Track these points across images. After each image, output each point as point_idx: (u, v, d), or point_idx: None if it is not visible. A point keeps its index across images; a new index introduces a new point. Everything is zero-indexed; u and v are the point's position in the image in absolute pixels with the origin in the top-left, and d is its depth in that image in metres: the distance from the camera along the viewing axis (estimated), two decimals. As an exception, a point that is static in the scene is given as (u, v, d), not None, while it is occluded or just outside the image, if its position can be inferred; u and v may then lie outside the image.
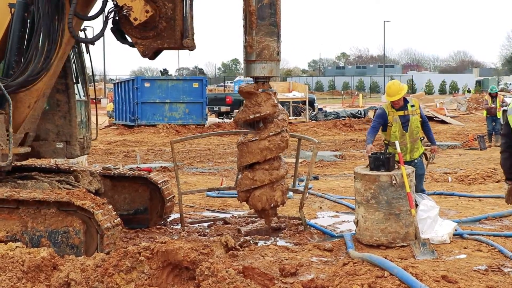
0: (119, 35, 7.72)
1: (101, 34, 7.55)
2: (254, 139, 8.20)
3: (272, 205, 8.33)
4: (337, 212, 10.65)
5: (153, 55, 7.84)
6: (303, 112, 35.37)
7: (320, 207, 11.01)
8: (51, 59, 7.54)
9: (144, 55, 7.65)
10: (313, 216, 10.21)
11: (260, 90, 8.20)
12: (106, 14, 7.57)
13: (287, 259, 7.35)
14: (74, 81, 8.44)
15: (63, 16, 7.49)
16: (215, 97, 40.81)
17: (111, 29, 7.68)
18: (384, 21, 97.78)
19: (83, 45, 8.65)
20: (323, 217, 10.28)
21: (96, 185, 8.67)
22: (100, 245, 6.74)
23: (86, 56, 8.78)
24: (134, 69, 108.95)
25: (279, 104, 8.39)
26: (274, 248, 7.83)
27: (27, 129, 7.93)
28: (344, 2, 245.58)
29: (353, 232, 8.57)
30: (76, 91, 8.53)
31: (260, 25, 7.96)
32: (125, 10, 7.35)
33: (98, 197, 7.38)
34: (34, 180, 7.87)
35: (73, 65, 8.42)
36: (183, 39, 7.61)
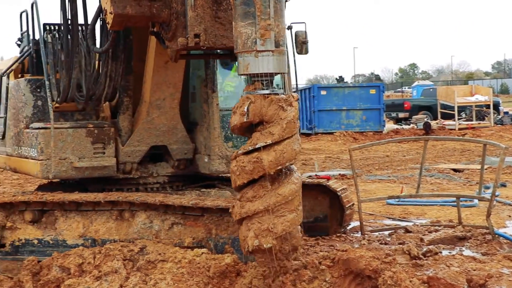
0: (162, 40, 6.88)
1: (111, 43, 7.24)
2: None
3: (245, 249, 5.89)
4: (528, 221, 10.04)
5: (219, 56, 7.19)
6: (487, 117, 33.83)
7: (510, 216, 10.43)
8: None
9: (170, 58, 6.75)
10: (501, 225, 9.67)
11: (244, 93, 6.04)
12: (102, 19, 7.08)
13: (474, 270, 6.99)
14: (214, 90, 7.92)
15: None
16: (393, 103, 40.14)
17: (152, 33, 6.99)
18: None
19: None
20: (512, 226, 9.74)
21: (277, 193, 8.74)
22: (281, 252, 6.75)
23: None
24: (310, 77, 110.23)
25: (282, 112, 5.73)
26: (460, 258, 7.49)
27: (151, 142, 7.94)
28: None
29: (547, 242, 8.00)
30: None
31: (235, 6, 5.86)
32: (104, 15, 6.72)
33: (278, 204, 7.43)
34: (217, 189, 8.10)
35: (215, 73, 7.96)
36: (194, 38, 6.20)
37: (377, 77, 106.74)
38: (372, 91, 30.98)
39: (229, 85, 8.50)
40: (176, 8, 6.37)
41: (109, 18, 6.61)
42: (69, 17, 7.45)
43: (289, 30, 8.34)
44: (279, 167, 5.65)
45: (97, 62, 7.88)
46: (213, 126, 7.92)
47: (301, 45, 8.42)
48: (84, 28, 7.73)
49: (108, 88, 7.67)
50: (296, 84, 8.70)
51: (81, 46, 7.68)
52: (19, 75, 8.55)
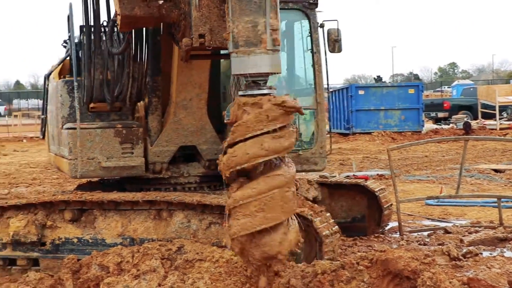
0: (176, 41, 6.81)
1: (126, 44, 7.33)
2: None
3: None
4: None
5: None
6: (529, 116, 33.38)
7: (552, 217, 10.23)
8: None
9: (181, 59, 6.78)
10: (543, 226, 9.49)
11: None
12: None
13: (516, 272, 6.88)
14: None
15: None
16: (432, 102, 39.78)
17: (168, 33, 7.05)
18: None
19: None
20: (555, 227, 9.52)
21: (314, 193, 8.73)
22: (319, 253, 6.75)
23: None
24: (347, 77, 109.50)
25: (245, 115, 5.60)
26: (501, 260, 7.36)
27: (179, 142, 7.94)
28: None
29: None
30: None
31: None
32: (115, 17, 6.85)
33: (315, 204, 7.41)
34: (255, 188, 8.05)
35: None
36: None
37: (416, 77, 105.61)
38: (411, 91, 30.72)
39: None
40: (184, 8, 6.33)
41: (118, 20, 6.68)
42: (91, 18, 7.54)
43: (321, 28, 8.20)
44: (231, 170, 5.57)
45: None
46: None
47: (334, 43, 8.26)
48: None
49: (132, 89, 7.72)
50: (328, 83, 8.50)
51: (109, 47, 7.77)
52: (62, 76, 8.67)
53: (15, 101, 68.16)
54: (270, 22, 5.58)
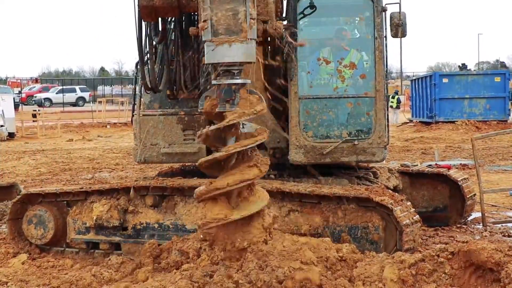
0: None
1: (163, 34, 7.56)
2: None
3: None
4: None
5: None
6: None
7: None
8: None
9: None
10: None
11: None
12: None
13: None
14: (292, 78, 7.70)
15: None
16: (519, 91, 38.55)
17: None
18: None
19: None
20: None
21: (395, 182, 8.61)
22: (399, 242, 6.66)
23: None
24: (431, 65, 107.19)
25: None
26: None
27: None
28: None
29: None
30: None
31: None
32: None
33: (396, 193, 7.30)
34: (335, 176, 8.00)
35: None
36: None
37: (503, 64, 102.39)
38: (497, 79, 29.93)
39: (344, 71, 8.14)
40: None
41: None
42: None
43: (384, 12, 7.83)
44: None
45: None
46: (290, 115, 7.72)
47: (396, 28, 7.87)
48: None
49: (184, 76, 7.79)
50: (386, 70, 8.04)
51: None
52: None
53: (99, 88, 69.89)
54: (249, 11, 5.61)
